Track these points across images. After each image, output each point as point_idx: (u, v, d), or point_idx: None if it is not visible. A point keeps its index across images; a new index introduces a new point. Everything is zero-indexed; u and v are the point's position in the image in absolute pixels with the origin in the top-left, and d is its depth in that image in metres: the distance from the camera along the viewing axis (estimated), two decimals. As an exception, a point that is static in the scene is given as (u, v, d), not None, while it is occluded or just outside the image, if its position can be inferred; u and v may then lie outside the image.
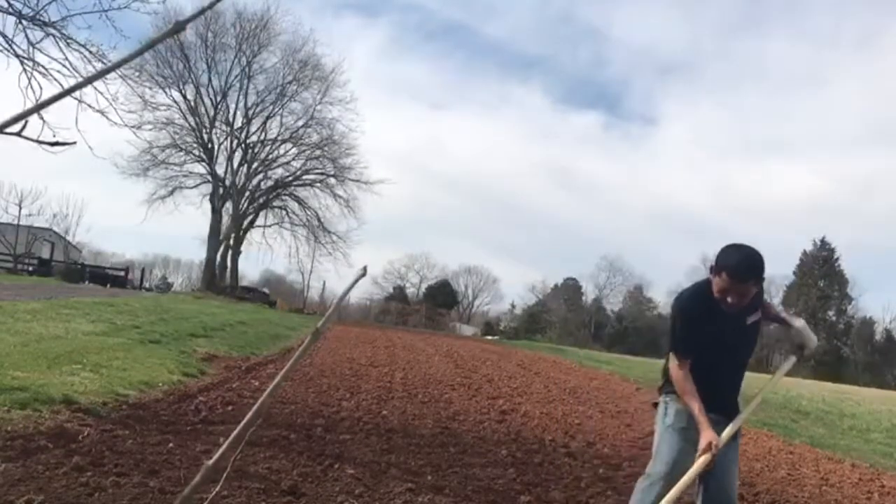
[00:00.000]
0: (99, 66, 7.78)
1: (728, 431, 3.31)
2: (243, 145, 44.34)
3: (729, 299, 3.22)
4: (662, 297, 68.29)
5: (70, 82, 7.17)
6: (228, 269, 44.96)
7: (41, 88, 7.40)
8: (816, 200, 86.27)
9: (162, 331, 12.61)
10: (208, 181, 43.32)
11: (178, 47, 38.41)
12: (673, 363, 3.43)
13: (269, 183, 45.99)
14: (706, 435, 3.21)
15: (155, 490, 4.04)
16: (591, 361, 25.23)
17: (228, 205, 43.83)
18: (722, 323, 3.30)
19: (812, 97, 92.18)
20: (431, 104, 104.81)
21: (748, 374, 3.57)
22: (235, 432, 0.99)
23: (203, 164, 43.37)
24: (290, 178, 46.04)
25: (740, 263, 3.20)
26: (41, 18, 7.51)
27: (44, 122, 6.36)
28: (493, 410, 9.21)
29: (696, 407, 3.29)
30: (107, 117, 8.06)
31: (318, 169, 45.95)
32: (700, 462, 3.23)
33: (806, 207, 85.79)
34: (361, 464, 5.35)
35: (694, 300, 3.45)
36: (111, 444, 4.91)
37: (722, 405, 3.39)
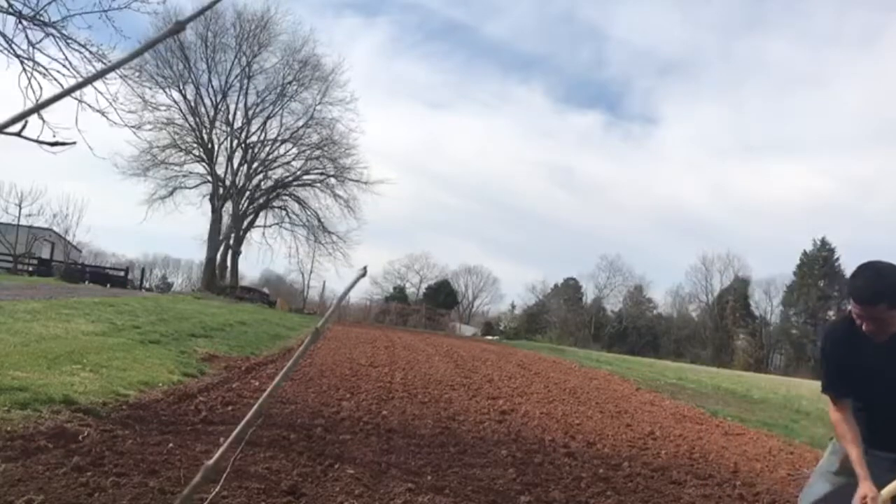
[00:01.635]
0: (99, 66, 7.79)
1: (892, 487, 2.86)
2: (243, 145, 44.36)
3: (864, 326, 2.87)
4: (662, 297, 68.42)
5: (70, 82, 7.16)
6: (228, 269, 44.97)
7: (41, 88, 7.41)
8: (817, 200, 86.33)
9: (162, 331, 12.61)
10: (208, 181, 43.35)
11: (178, 47, 38.45)
12: (830, 406, 3.13)
13: (269, 183, 46.04)
14: (863, 487, 2.89)
15: (155, 490, 4.04)
16: (591, 361, 25.23)
17: (228, 205, 43.84)
18: (879, 354, 2.93)
19: (813, 97, 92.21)
20: (432, 104, 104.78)
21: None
22: (235, 432, 0.99)
23: (203, 164, 43.42)
24: (290, 178, 46.08)
25: (864, 285, 2.83)
26: (41, 18, 7.52)
27: (44, 122, 6.38)
28: (493, 410, 9.21)
29: (854, 454, 2.96)
30: (107, 117, 8.07)
31: (318, 169, 46.02)
32: None
33: (806, 207, 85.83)
34: (361, 464, 5.35)
35: (836, 332, 3.15)
36: (111, 444, 4.91)
37: None
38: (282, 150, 45.58)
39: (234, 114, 43.91)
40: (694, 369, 32.46)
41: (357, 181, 44.18)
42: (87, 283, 33.68)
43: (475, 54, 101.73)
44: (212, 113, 43.15)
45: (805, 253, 63.41)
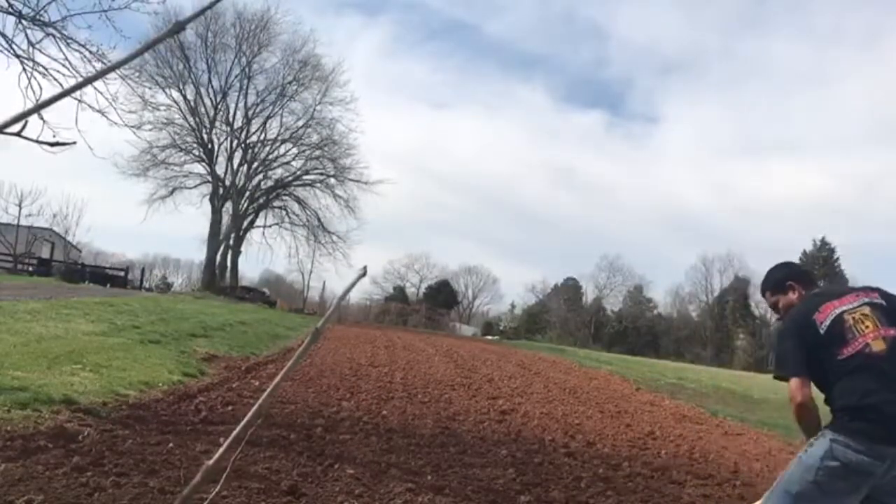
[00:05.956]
0: (99, 66, 7.79)
1: None
2: (243, 145, 44.35)
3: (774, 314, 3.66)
4: (662, 297, 68.39)
5: (70, 82, 7.17)
6: (228, 269, 44.98)
7: (41, 88, 7.41)
8: (818, 200, 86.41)
9: (162, 331, 12.60)
10: (208, 181, 43.35)
11: (178, 47, 38.43)
12: None
13: (269, 183, 46.05)
14: None
15: (155, 490, 4.04)
16: (591, 361, 25.23)
17: (228, 205, 43.84)
18: None
19: (815, 97, 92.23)
20: (433, 103, 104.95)
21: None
22: (235, 432, 0.99)
23: (203, 164, 43.43)
24: (290, 178, 46.08)
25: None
26: (41, 18, 7.52)
27: (44, 122, 6.37)
28: (493, 410, 9.20)
29: None
30: (107, 117, 8.07)
31: (318, 169, 46.03)
32: None
33: (807, 207, 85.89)
34: (361, 464, 5.35)
35: None
36: (111, 444, 4.91)
37: None
38: (282, 150, 45.65)
39: (234, 114, 43.99)
40: (694, 369, 32.46)
41: (357, 181, 44.24)
42: (87, 283, 33.66)
43: (476, 54, 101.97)
44: (212, 113, 43.20)
45: (805, 253, 63.28)
